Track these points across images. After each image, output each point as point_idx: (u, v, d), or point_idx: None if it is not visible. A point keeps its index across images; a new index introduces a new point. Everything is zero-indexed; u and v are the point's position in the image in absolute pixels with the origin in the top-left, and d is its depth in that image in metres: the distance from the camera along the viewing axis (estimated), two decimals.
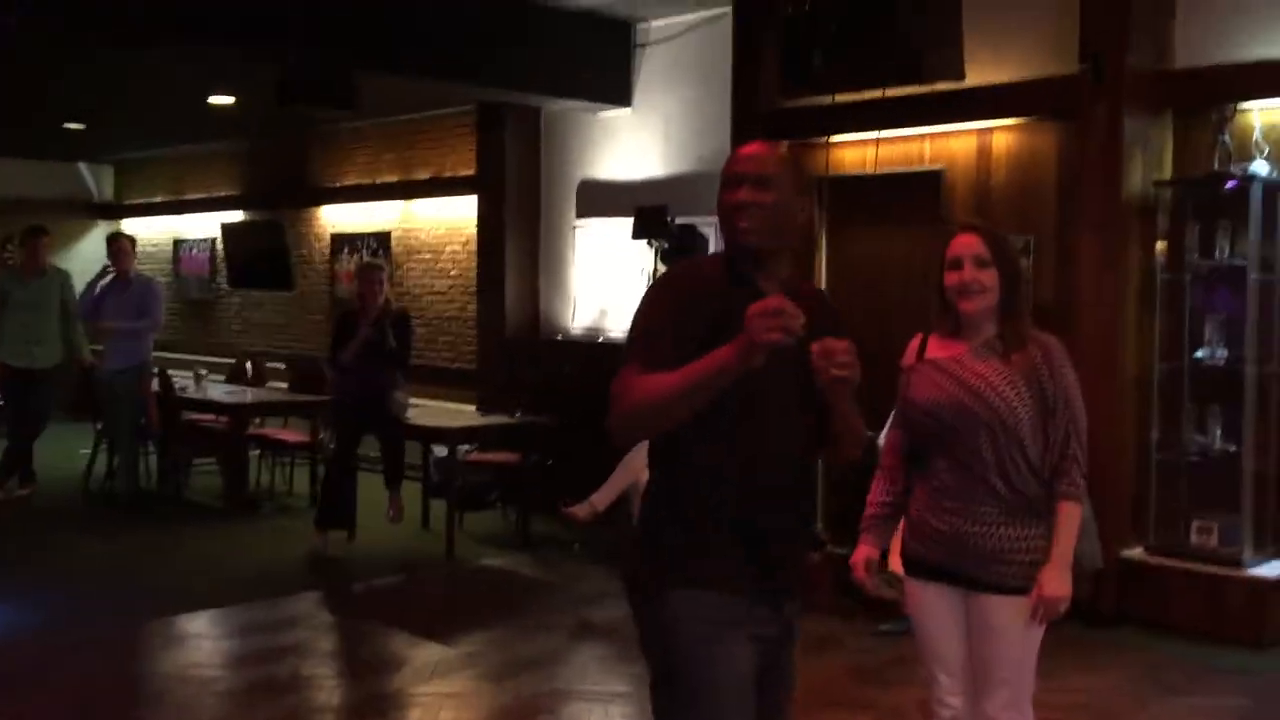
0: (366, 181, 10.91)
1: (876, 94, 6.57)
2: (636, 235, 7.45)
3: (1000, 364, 3.05)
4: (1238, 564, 5.49)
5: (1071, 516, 3.01)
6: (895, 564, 5.55)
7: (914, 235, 6.96)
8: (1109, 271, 5.79)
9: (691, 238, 7.30)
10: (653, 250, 7.41)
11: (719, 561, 2.48)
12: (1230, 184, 5.53)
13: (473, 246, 9.59)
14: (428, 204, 10.29)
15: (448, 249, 10.11)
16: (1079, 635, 5.33)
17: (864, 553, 3.26)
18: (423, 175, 10.33)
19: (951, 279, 3.09)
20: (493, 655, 5.39)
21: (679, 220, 7.42)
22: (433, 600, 6.63)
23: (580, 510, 6.52)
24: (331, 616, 6.23)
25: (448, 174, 10.05)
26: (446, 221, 10.10)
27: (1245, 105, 5.65)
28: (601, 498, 6.54)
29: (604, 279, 8.54)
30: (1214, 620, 5.48)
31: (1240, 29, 5.66)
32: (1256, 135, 5.61)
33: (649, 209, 7.36)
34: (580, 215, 8.80)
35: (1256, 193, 5.50)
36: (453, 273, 10.08)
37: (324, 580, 6.75)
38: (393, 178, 10.64)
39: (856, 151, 7.14)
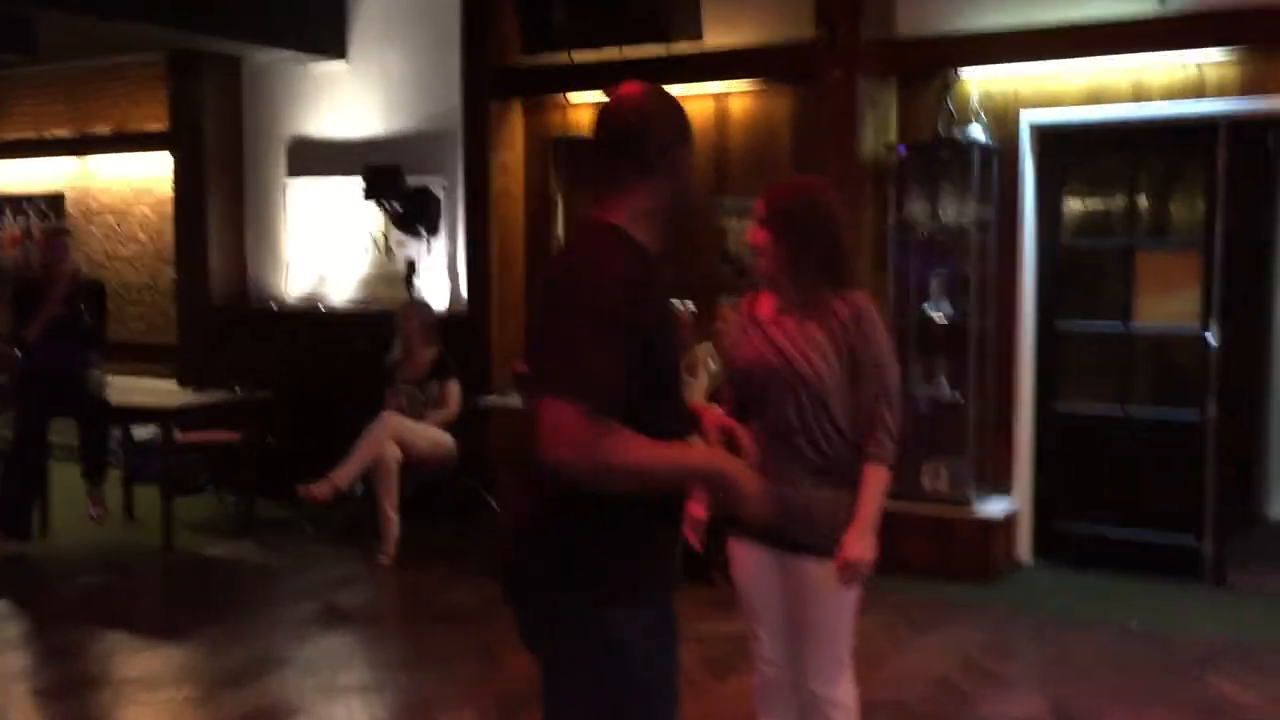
0: (32, 135, 9.74)
1: (615, 54, 6.51)
2: (368, 196, 7.03)
3: (806, 324, 3.00)
4: (966, 503, 5.87)
5: (878, 479, 2.97)
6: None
7: None
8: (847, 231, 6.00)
9: (425, 200, 6.98)
10: (384, 212, 7.03)
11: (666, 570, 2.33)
12: (901, 149, 5.93)
13: (166, 208, 8.77)
14: (109, 161, 9.32)
15: (136, 210, 9.21)
16: None
17: (693, 511, 3.06)
18: (102, 129, 9.32)
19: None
20: (229, 653, 4.92)
21: (410, 181, 7.08)
22: (152, 599, 6.04)
23: (319, 489, 6.11)
24: (27, 626, 5.52)
25: (133, 128, 9.13)
26: (132, 181, 9.19)
27: (964, 74, 5.98)
28: (343, 475, 6.15)
29: (321, 242, 8.03)
30: (946, 558, 5.84)
31: (958, 1, 5.98)
32: (973, 102, 5.96)
33: (380, 169, 6.96)
34: (292, 174, 8.22)
35: (975, 157, 5.85)
36: (142, 237, 9.20)
37: (15, 585, 5.96)
38: (65, 131, 9.55)
39: (591, 112, 7.05)
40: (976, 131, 5.89)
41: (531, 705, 2.40)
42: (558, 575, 2.21)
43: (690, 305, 6.28)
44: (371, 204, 7.12)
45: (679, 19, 6.19)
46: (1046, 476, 6.14)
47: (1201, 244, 5.69)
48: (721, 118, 6.64)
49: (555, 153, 7.15)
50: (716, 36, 6.37)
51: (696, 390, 6.13)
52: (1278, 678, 4.57)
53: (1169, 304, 5.87)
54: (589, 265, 2.15)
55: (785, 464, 2.97)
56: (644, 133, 2.26)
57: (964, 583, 5.72)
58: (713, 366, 6.09)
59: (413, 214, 6.88)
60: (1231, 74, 5.46)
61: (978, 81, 5.97)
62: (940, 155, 5.93)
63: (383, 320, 7.31)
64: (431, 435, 6.49)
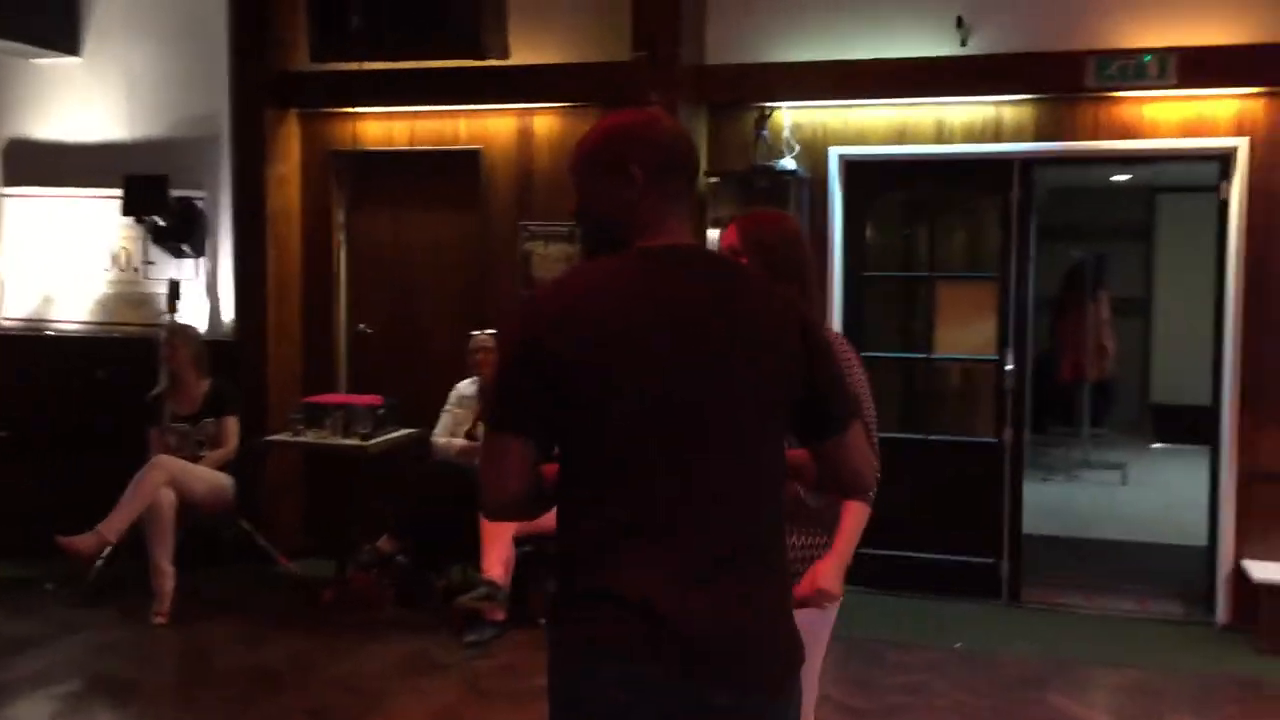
0: None
1: (412, 65, 6.11)
2: (129, 211, 6.22)
3: None
4: None
5: (858, 516, 2.87)
6: (494, 571, 5.25)
7: (446, 217, 6.61)
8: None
9: (190, 214, 6.27)
10: (145, 227, 6.25)
11: None
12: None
13: None
14: None
15: None
16: None
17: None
18: None
19: None
20: None
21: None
22: None
23: (84, 542, 5.31)
24: None
25: None
26: None
27: (775, 105, 6.02)
28: (112, 526, 5.38)
29: (48, 258, 7.07)
30: None
31: (768, 33, 6.01)
32: (786, 133, 6.01)
33: (144, 179, 6.17)
34: (10, 183, 7.19)
35: (791, 186, 5.89)
36: None
37: None
38: None
39: (380, 126, 6.60)
40: (789, 162, 5.95)
41: None
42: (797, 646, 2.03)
43: (492, 332, 5.98)
44: (128, 218, 6.31)
45: (486, 33, 5.88)
46: None
47: (998, 275, 6.00)
48: (525, 135, 6.38)
49: (335, 167, 6.64)
50: (524, 54, 6.10)
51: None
52: (1111, 693, 4.82)
53: (967, 333, 6.14)
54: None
55: None
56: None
57: None
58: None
59: (177, 229, 6.16)
60: (1026, 116, 5.79)
61: (791, 111, 6.03)
62: (756, 183, 5.93)
63: (128, 346, 6.52)
64: (209, 478, 5.81)
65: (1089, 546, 7.15)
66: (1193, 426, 10.74)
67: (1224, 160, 5.63)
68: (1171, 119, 5.58)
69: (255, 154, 6.44)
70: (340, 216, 6.73)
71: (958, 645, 5.33)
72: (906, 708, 4.61)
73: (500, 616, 5.32)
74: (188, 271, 6.66)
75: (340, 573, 5.87)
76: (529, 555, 5.34)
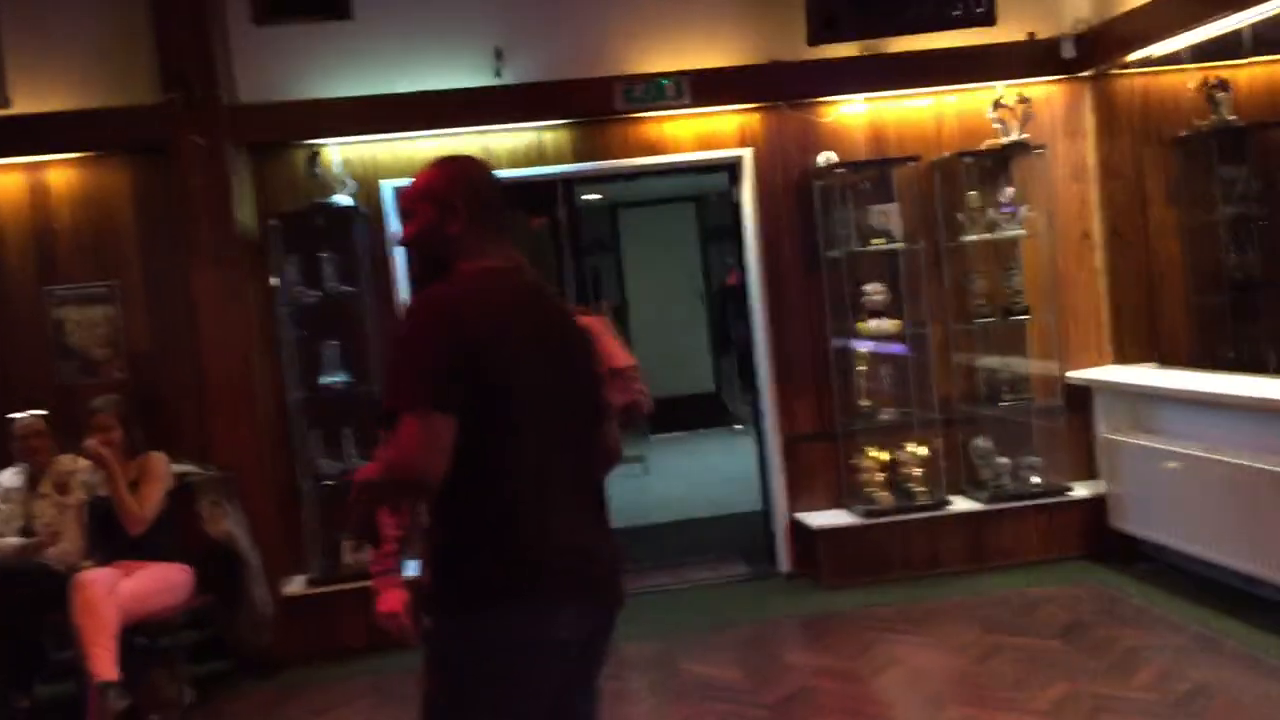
0: None
1: None
2: None
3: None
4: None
5: None
6: (107, 673, 4.70)
7: None
8: (231, 307, 5.58)
9: None
10: None
11: None
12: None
13: None
14: None
15: None
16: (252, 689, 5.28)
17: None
18: None
19: None
20: None
21: None
22: None
23: None
24: None
25: None
26: None
27: (322, 141, 5.91)
28: None
29: None
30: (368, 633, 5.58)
31: (304, 70, 5.89)
32: (337, 170, 5.93)
33: None
34: None
35: (352, 222, 5.83)
36: None
37: None
38: None
39: None
40: (345, 198, 5.88)
41: None
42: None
43: (37, 413, 5.34)
44: None
45: None
46: None
47: (554, 286, 6.34)
48: (39, 191, 5.74)
49: None
50: (30, 103, 5.48)
51: (73, 515, 5.22)
52: (730, 650, 5.32)
53: None
54: None
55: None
56: None
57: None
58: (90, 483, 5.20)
59: None
60: (565, 140, 6.18)
61: (340, 149, 5.95)
62: (316, 221, 5.79)
63: None
64: None
65: (648, 533, 7.74)
66: (676, 416, 12.01)
67: (733, 168, 6.41)
68: (688, 134, 6.25)
69: None
70: None
71: None
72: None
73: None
74: None
75: None
76: (145, 648, 4.83)
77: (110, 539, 5.04)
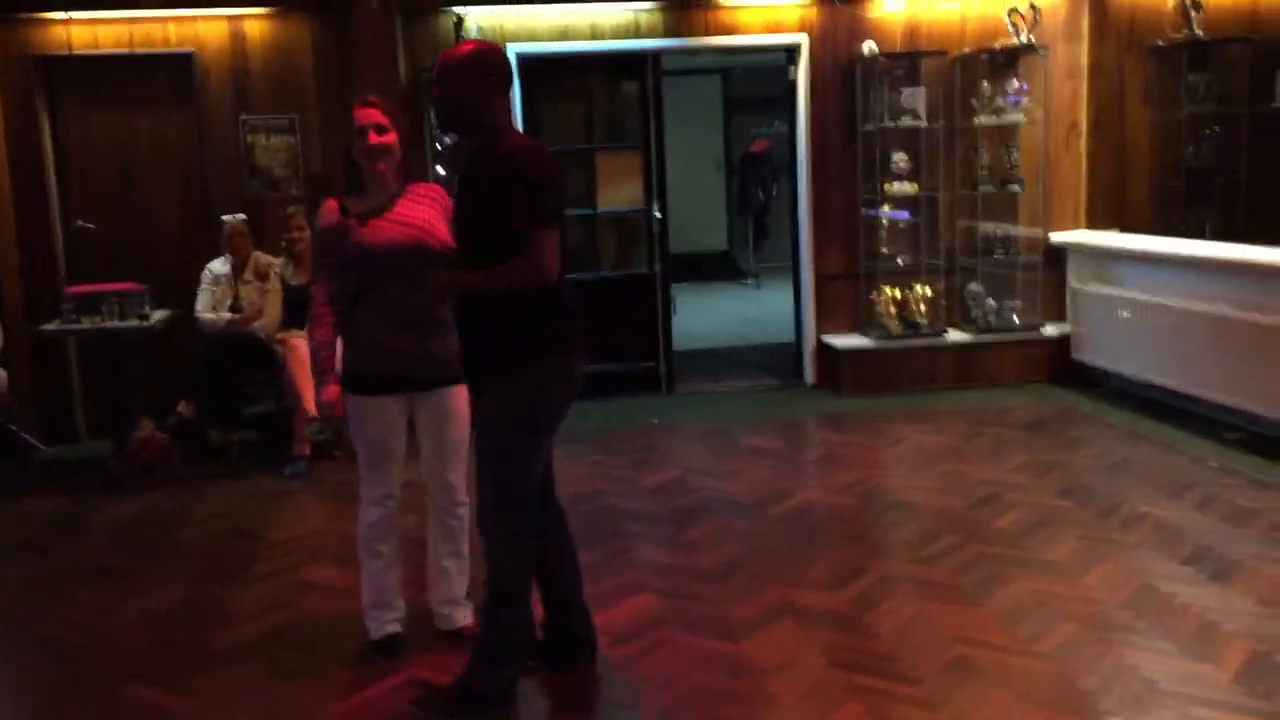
0: None
1: None
2: None
3: (429, 208, 3.67)
4: None
5: None
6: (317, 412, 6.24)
7: (164, 116, 7.11)
8: None
9: None
10: None
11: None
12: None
13: None
14: None
15: None
16: None
17: (337, 389, 3.73)
18: None
19: (361, 145, 3.62)
20: None
21: None
22: None
23: None
24: None
25: None
26: None
27: (464, 9, 7.22)
28: None
29: None
30: None
31: None
32: (475, 34, 7.24)
33: None
34: None
35: None
36: None
37: None
38: None
39: (89, 31, 6.89)
40: None
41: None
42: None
43: (241, 216, 6.76)
44: None
45: None
46: None
47: (641, 146, 7.75)
48: (238, 39, 7.05)
49: (40, 71, 6.86)
50: None
51: (273, 297, 6.68)
52: (770, 429, 6.91)
53: (622, 192, 7.85)
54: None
55: (432, 317, 3.66)
56: None
57: None
58: (284, 274, 6.66)
59: None
60: (656, 19, 7.51)
61: (476, 17, 7.27)
62: None
63: None
64: None
65: (682, 356, 9.28)
66: (692, 269, 13.36)
67: (791, 51, 7.77)
68: (757, 20, 7.59)
69: None
70: (45, 119, 6.95)
71: (655, 421, 7.17)
72: (647, 458, 6.38)
73: (307, 451, 6.32)
74: None
75: (119, 447, 6.44)
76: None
77: (298, 315, 6.51)
